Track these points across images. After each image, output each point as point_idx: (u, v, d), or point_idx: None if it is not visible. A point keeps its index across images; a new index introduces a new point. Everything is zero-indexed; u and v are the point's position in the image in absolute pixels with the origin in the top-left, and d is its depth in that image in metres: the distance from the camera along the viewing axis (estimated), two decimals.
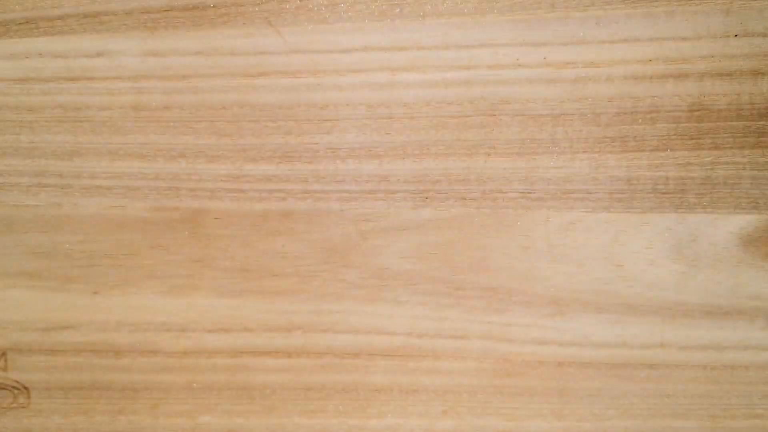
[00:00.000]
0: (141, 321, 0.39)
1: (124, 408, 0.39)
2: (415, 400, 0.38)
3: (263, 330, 0.38)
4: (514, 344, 0.37)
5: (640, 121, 0.35)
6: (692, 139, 0.35)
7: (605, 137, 0.36)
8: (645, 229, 0.36)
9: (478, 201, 0.37)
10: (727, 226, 0.36)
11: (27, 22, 0.37)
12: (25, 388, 0.39)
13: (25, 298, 0.39)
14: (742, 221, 0.36)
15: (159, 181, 0.38)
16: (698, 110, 0.35)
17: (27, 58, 0.37)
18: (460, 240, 0.37)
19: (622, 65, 0.35)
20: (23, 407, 0.39)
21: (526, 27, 0.35)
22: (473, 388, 0.38)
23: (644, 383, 0.37)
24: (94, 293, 0.39)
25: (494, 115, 0.36)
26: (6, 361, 0.39)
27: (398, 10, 0.36)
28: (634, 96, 0.35)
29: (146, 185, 0.38)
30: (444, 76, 0.36)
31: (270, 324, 0.38)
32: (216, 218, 0.38)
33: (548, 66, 0.35)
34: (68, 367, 0.39)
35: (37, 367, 0.39)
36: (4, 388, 0.39)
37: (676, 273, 0.36)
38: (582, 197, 0.36)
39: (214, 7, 0.36)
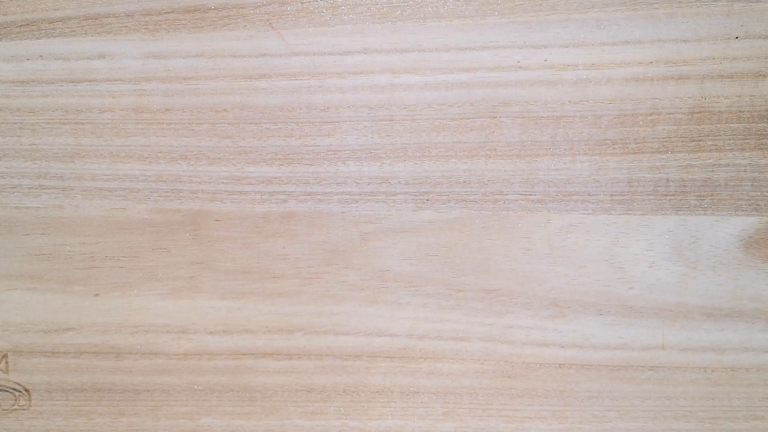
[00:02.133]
0: (142, 323, 0.39)
1: (125, 410, 0.39)
2: (416, 402, 0.38)
3: (264, 331, 0.38)
4: (515, 346, 0.37)
5: (640, 123, 0.35)
6: (693, 141, 0.35)
7: (606, 139, 0.36)
8: (646, 231, 0.36)
9: (479, 203, 0.37)
10: (728, 228, 0.36)
11: (28, 24, 0.37)
12: (26, 390, 0.39)
13: (26, 300, 0.39)
14: (743, 223, 0.36)
15: (160, 183, 0.38)
16: (699, 112, 0.35)
17: (28, 60, 0.37)
18: (460, 242, 0.37)
19: (623, 67, 0.35)
20: (24, 409, 0.39)
21: (526, 29, 0.35)
22: (474, 390, 0.38)
23: (645, 385, 0.37)
24: (95, 295, 0.39)
25: (495, 117, 0.36)
26: (7, 362, 0.39)
27: (399, 12, 0.36)
28: (635, 98, 0.35)
29: (147, 187, 0.38)
30: (445, 78, 0.36)
31: (271, 326, 0.38)
32: (217, 220, 0.38)
33: (549, 68, 0.35)
34: (69, 369, 0.39)
35: (38, 369, 0.39)
36: (5, 390, 0.39)
37: (676, 275, 0.36)
38: (583, 199, 0.36)
39: (215, 9, 0.36)
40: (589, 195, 0.36)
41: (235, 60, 0.36)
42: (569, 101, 0.36)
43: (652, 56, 0.35)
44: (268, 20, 0.36)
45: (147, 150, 0.37)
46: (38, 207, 0.38)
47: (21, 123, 0.38)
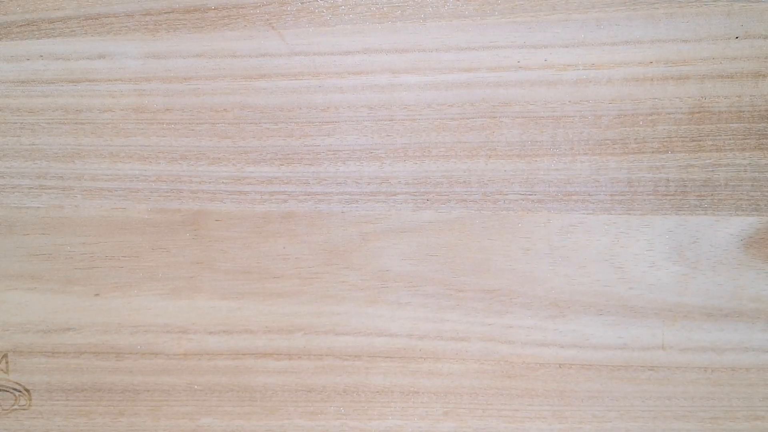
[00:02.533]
0: (142, 323, 0.39)
1: (125, 410, 0.39)
2: (416, 402, 0.38)
3: (264, 332, 0.38)
4: (515, 346, 0.37)
5: (640, 123, 0.35)
6: (693, 141, 0.35)
7: (606, 139, 0.36)
8: (646, 231, 0.36)
9: (479, 203, 0.37)
10: (728, 228, 0.36)
11: (28, 24, 0.37)
12: (27, 390, 0.39)
13: (26, 300, 0.39)
14: (743, 223, 0.36)
15: (160, 183, 0.38)
16: (699, 112, 0.35)
17: (28, 60, 0.37)
18: (461, 242, 0.37)
19: (623, 67, 0.35)
20: (24, 409, 0.39)
21: (526, 29, 0.35)
22: (474, 390, 0.38)
23: (645, 385, 0.37)
24: (95, 295, 0.39)
25: (495, 117, 0.36)
26: (7, 363, 0.39)
27: (399, 12, 0.36)
28: (635, 98, 0.35)
29: (147, 187, 0.38)
30: (445, 78, 0.36)
31: (271, 326, 0.38)
32: (217, 220, 0.38)
33: (549, 68, 0.35)
34: (69, 369, 0.39)
35: (38, 369, 0.39)
36: (5, 390, 0.39)
37: (676, 275, 0.36)
38: (583, 199, 0.36)
39: (215, 9, 0.36)
40: (589, 195, 0.36)
41: (235, 60, 0.36)
42: (569, 101, 0.36)
43: (652, 56, 0.35)
44: (268, 20, 0.36)
45: (147, 150, 0.37)
46: (38, 207, 0.38)
47: (21, 123, 0.38)
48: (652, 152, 0.36)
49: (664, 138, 0.35)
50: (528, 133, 0.36)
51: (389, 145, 0.37)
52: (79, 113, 0.37)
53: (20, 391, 0.39)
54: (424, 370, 0.38)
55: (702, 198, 0.36)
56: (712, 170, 0.36)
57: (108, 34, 0.37)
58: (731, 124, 0.35)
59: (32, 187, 0.38)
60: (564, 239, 0.37)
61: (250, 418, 0.39)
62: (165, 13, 0.36)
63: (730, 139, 0.35)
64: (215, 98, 0.37)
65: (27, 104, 0.38)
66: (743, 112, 0.35)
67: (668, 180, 0.36)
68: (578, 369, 0.37)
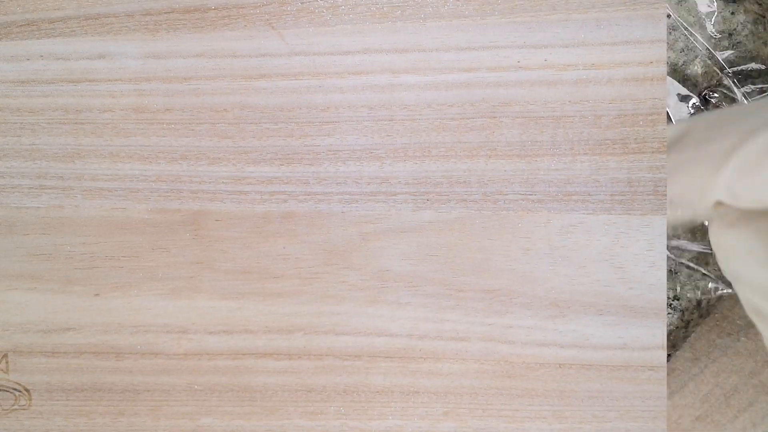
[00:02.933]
0: (142, 323, 0.39)
1: (125, 410, 0.39)
2: (416, 402, 0.38)
3: (264, 332, 0.38)
4: (515, 346, 0.37)
5: (640, 123, 0.35)
6: None
7: (606, 139, 0.36)
8: (646, 231, 0.36)
9: (479, 203, 0.37)
10: None
11: (28, 24, 0.37)
12: (26, 389, 0.39)
13: (26, 300, 0.39)
14: None
15: (160, 183, 0.38)
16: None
17: (28, 60, 0.37)
18: (461, 242, 0.37)
19: (623, 67, 0.35)
20: (24, 409, 0.39)
21: (526, 29, 0.35)
22: (474, 390, 0.38)
23: (645, 385, 0.37)
24: (95, 295, 0.39)
25: (495, 117, 0.36)
26: (7, 362, 0.39)
27: (399, 12, 0.36)
28: (635, 98, 0.35)
29: (147, 187, 0.38)
30: (445, 78, 0.36)
31: (271, 326, 0.38)
32: (217, 220, 0.38)
33: (549, 68, 0.35)
34: (69, 369, 0.39)
35: (38, 369, 0.39)
36: (5, 390, 0.39)
37: None
38: (583, 199, 0.36)
39: (215, 9, 0.36)
40: (589, 195, 0.36)
41: (235, 60, 0.36)
42: (569, 101, 0.36)
43: (652, 56, 0.35)
44: (268, 20, 0.36)
45: (147, 150, 0.37)
46: (38, 207, 0.38)
47: (21, 123, 0.38)
48: (652, 152, 0.36)
49: (663, 138, 0.35)
50: (528, 133, 0.36)
51: (389, 145, 0.37)
52: (79, 113, 0.37)
53: (20, 391, 0.39)
54: (424, 370, 0.38)
55: None
56: None
57: (108, 34, 0.37)
58: None
59: (32, 187, 0.38)
60: (564, 239, 0.37)
61: (250, 418, 0.39)
62: (165, 13, 0.36)
63: None
64: (215, 98, 0.37)
65: (27, 104, 0.38)
66: None
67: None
68: (578, 369, 0.37)
